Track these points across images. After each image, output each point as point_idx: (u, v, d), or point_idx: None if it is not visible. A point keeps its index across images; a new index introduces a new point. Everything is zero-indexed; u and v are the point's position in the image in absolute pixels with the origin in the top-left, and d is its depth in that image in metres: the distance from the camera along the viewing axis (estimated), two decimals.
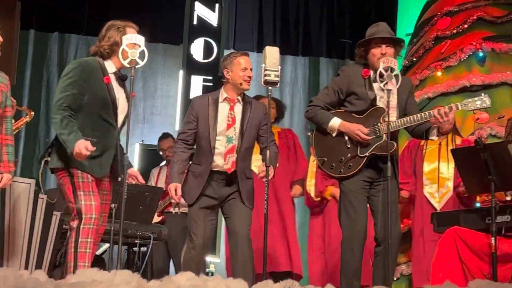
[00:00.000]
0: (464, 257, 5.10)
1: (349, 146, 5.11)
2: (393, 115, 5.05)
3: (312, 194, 7.10)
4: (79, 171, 4.57)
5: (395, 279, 7.17)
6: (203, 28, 11.84)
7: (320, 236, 7.12)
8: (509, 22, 9.29)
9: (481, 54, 8.97)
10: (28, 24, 11.38)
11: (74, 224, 4.54)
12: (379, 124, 5.01)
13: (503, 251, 4.92)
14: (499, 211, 4.98)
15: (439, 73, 9.09)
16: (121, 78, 4.79)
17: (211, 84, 11.61)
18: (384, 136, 4.97)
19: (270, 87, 4.90)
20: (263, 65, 4.82)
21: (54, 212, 5.83)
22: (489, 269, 4.93)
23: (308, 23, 12.45)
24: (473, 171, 5.11)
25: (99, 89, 4.62)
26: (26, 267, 5.42)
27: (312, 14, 12.48)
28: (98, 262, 6.41)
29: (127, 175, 4.68)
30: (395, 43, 5.18)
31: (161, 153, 8.34)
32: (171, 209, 7.88)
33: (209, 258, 9.43)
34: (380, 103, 5.06)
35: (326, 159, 5.20)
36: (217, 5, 11.96)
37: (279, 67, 4.89)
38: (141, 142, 10.55)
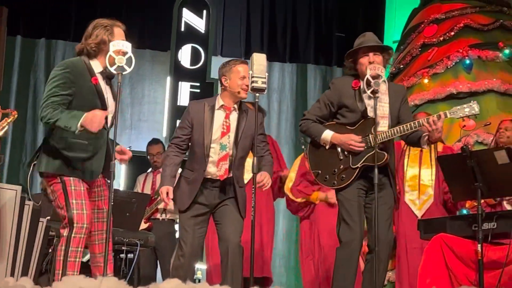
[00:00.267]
0: (451, 264, 5.11)
1: (341, 158, 5.13)
2: (384, 124, 5.05)
3: (290, 195, 7.08)
4: (70, 178, 4.53)
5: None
6: (191, 34, 11.85)
7: (310, 243, 7.12)
8: (496, 30, 9.35)
9: (467, 61, 9.02)
10: (15, 30, 11.33)
11: (65, 232, 4.50)
12: (370, 135, 5.01)
13: (490, 258, 4.93)
14: (486, 218, 4.99)
15: (426, 80, 9.13)
16: (108, 77, 4.73)
17: (198, 90, 11.62)
18: (376, 147, 4.97)
19: (257, 94, 4.89)
20: (250, 72, 4.82)
21: (41, 219, 5.80)
22: (475, 276, 4.94)
23: (295, 30, 12.48)
24: (459, 178, 5.13)
25: (87, 90, 4.58)
26: (12, 274, 5.38)
27: (299, 20, 12.51)
28: (85, 269, 6.37)
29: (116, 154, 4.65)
30: (383, 50, 5.19)
31: (149, 158, 8.32)
32: (158, 216, 7.87)
33: (196, 265, 9.41)
34: (372, 113, 5.05)
35: (320, 171, 5.23)
36: (204, 12, 11.97)
37: (266, 74, 4.88)
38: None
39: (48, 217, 6.23)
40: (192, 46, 11.81)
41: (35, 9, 11.31)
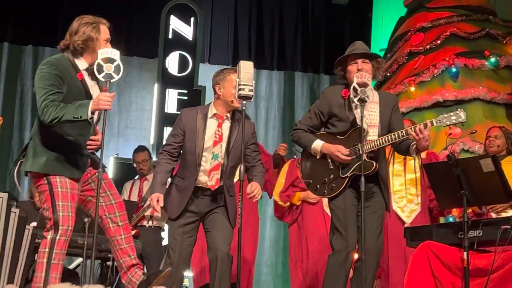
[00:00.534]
0: (437, 271, 5.11)
1: (331, 167, 5.13)
2: (374, 133, 5.05)
3: (279, 201, 7.09)
4: (57, 179, 4.48)
5: None
6: (179, 41, 11.86)
7: (299, 249, 7.12)
8: (482, 38, 9.41)
9: (454, 69, 9.07)
10: (2, 37, 11.32)
11: (49, 234, 4.47)
12: (359, 144, 5.01)
13: (476, 266, 4.94)
14: (472, 225, 5.00)
15: (412, 88, 9.18)
16: (94, 73, 4.70)
17: (185, 97, 11.62)
18: (364, 156, 4.98)
19: (244, 102, 4.89)
20: (238, 80, 4.82)
21: (27, 226, 5.77)
22: (461, 283, 4.94)
23: (283, 38, 12.51)
24: (445, 186, 5.13)
25: (73, 86, 4.54)
26: None
27: (287, 28, 12.55)
28: (71, 276, 6.35)
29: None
30: (372, 58, 5.19)
31: (135, 165, 8.30)
32: (145, 223, 7.85)
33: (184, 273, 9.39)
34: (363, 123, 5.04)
35: (311, 181, 5.23)
36: (192, 19, 11.99)
37: (253, 82, 4.88)
38: (115, 156, 10.51)
39: (34, 224, 6.21)
40: (179, 53, 11.84)
41: (22, 16, 11.29)
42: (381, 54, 10.07)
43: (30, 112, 11.09)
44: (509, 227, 4.86)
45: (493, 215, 6.09)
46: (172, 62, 11.79)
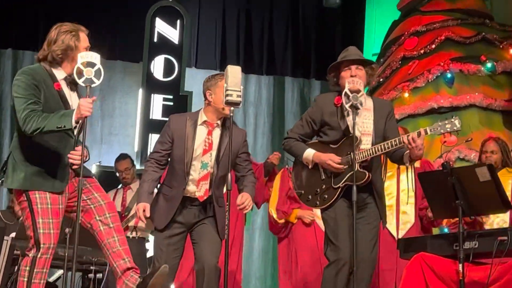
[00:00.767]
0: (431, 284, 5.11)
1: (323, 177, 5.11)
2: (367, 142, 5.04)
3: (275, 216, 7.08)
4: (36, 195, 4.44)
5: None
6: (164, 45, 11.85)
7: (288, 261, 7.11)
8: (478, 43, 9.43)
9: (449, 75, 9.09)
10: None
11: (31, 253, 4.44)
12: (352, 153, 4.99)
13: (471, 279, 4.94)
14: (467, 237, 5.00)
15: (406, 94, 9.19)
16: (73, 82, 4.66)
17: (171, 103, 11.60)
18: (357, 166, 4.96)
19: (232, 108, 4.87)
20: (225, 85, 4.80)
21: (5, 237, 5.75)
22: None
23: (272, 41, 12.52)
24: (440, 196, 5.14)
25: (50, 96, 4.50)
26: None
27: (276, 32, 12.55)
28: None
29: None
30: (365, 64, 5.19)
31: (117, 174, 8.27)
32: (128, 234, 7.81)
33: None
34: (356, 130, 5.01)
35: (303, 191, 5.22)
36: (178, 22, 11.97)
37: (242, 87, 4.86)
38: (98, 164, 10.45)
39: (13, 235, 6.17)
40: (165, 57, 11.82)
41: (1, 19, 11.24)
42: (374, 58, 10.10)
43: (9, 117, 11.03)
44: (506, 238, 4.86)
45: (482, 219, 6.08)
46: (157, 66, 11.77)
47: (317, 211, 6.42)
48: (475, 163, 7.00)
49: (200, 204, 5.14)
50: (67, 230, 5.93)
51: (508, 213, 5.93)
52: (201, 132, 5.16)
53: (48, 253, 4.43)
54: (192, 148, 5.11)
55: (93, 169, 10.32)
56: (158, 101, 11.67)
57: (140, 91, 11.66)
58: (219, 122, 5.18)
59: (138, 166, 10.02)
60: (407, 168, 6.54)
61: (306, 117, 5.25)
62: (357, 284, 4.78)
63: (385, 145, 4.96)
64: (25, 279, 4.40)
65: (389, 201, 6.50)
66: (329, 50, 11.64)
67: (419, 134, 4.88)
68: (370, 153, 4.99)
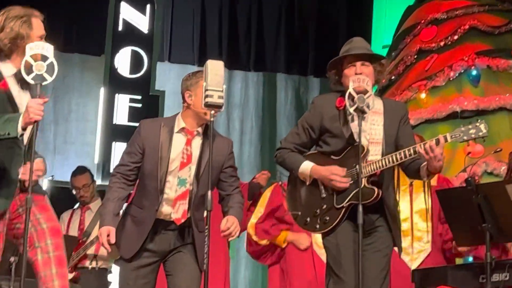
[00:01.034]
0: None
1: (324, 195, 5.07)
2: (377, 152, 5.02)
3: (253, 235, 7.07)
4: None
5: None
6: (131, 34, 11.88)
7: None
8: (508, 33, 9.47)
9: (474, 72, 9.12)
10: None
11: None
12: (357, 166, 4.98)
13: None
14: (496, 267, 5.02)
15: (423, 95, 9.22)
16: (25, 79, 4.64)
17: (139, 105, 11.61)
18: (364, 181, 4.95)
19: (212, 111, 4.85)
20: (204, 84, 4.78)
21: None
22: None
23: (262, 31, 12.54)
24: (463, 218, 5.15)
25: None
26: None
27: (267, 20, 12.59)
28: None
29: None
30: (373, 60, 5.18)
31: (74, 192, 8.25)
32: (87, 263, 7.79)
33: None
34: (362, 138, 5.00)
35: (299, 212, 5.18)
36: (148, 7, 11.99)
37: (224, 86, 4.85)
38: (50, 178, 10.42)
39: None
40: (132, 50, 11.85)
41: None
42: (384, 52, 10.14)
43: None
44: None
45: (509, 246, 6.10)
46: (122, 60, 11.81)
47: (317, 237, 6.42)
48: (505, 179, 7.01)
49: (176, 228, 5.12)
50: (12, 259, 5.92)
51: None
52: (178, 141, 5.12)
53: None
54: (167, 161, 5.07)
55: (44, 184, 10.28)
56: (123, 103, 11.69)
57: (102, 90, 11.68)
58: (200, 129, 5.14)
59: (99, 182, 10.02)
60: (423, 186, 6.55)
61: (303, 123, 5.23)
62: None
63: (398, 155, 4.94)
64: None
65: (403, 224, 6.52)
66: (331, 41, 11.67)
67: (437, 142, 4.86)
68: (379, 166, 4.97)
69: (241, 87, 12.42)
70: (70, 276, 7.47)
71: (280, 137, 5.23)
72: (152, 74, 11.83)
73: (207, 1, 12.44)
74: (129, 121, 11.41)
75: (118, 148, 11.14)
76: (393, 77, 9.70)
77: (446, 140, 4.90)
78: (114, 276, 7.96)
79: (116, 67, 11.74)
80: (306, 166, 5.10)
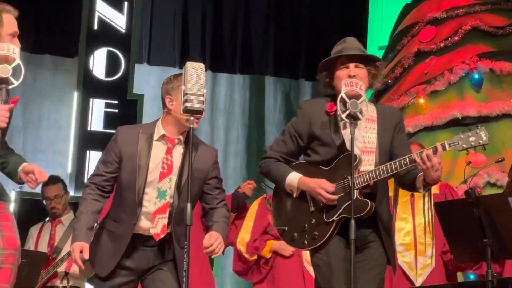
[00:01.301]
0: None
1: (312, 209, 5.05)
2: (370, 162, 5.02)
3: (244, 253, 7.08)
4: None
5: None
6: (107, 34, 11.86)
7: None
8: None
9: (476, 75, 9.14)
10: None
11: None
12: (349, 177, 4.97)
13: None
14: (498, 285, 5.03)
15: (421, 100, 9.23)
16: None
17: (116, 110, 11.58)
18: (356, 193, 4.93)
19: (192, 118, 4.85)
20: (183, 87, 4.77)
21: None
22: None
23: (248, 29, 12.56)
24: (463, 233, 5.17)
25: None
26: None
27: (254, 19, 12.59)
28: None
29: (25, 179, 4.58)
30: (368, 61, 5.19)
31: (45, 202, 8.23)
32: (57, 282, 7.78)
33: None
34: (354, 147, 4.98)
35: (286, 228, 5.17)
36: (126, 5, 11.98)
37: (205, 90, 4.84)
38: (18, 189, 10.39)
39: None
40: (108, 50, 11.84)
41: None
42: (380, 54, 10.16)
43: None
44: None
45: None
46: (98, 62, 11.79)
47: (306, 254, 6.42)
48: (506, 191, 7.02)
49: (155, 244, 5.11)
50: None
51: None
52: (158, 150, 5.11)
53: None
54: (146, 171, 5.06)
55: (12, 196, 10.27)
56: (98, 108, 11.67)
57: (75, 94, 11.67)
58: (181, 137, 5.12)
59: (72, 193, 9.99)
60: (424, 195, 6.57)
61: (289, 130, 5.22)
62: None
63: (392, 165, 4.93)
64: None
65: (405, 238, 6.54)
66: (324, 42, 11.67)
67: (435, 151, 4.86)
68: (373, 176, 4.97)
69: (226, 91, 12.38)
70: None
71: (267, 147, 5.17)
72: (130, 77, 11.81)
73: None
74: (104, 128, 11.39)
75: (93, 157, 11.13)
76: (389, 81, 9.72)
77: (444, 149, 4.89)
78: None
79: (90, 70, 11.72)
80: (293, 177, 5.07)
